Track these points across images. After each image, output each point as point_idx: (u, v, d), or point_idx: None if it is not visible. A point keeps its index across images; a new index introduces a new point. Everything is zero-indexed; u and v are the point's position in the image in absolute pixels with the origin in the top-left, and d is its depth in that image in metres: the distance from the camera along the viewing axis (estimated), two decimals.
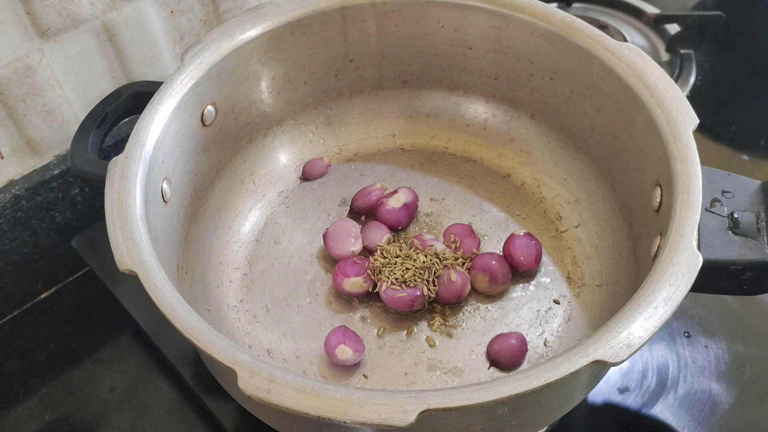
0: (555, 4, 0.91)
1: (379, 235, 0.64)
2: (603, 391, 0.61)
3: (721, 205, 0.53)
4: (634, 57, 0.58)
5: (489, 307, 0.62)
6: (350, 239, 0.64)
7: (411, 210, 0.67)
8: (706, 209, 0.53)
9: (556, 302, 0.62)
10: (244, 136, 0.68)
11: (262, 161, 0.70)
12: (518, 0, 0.63)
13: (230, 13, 0.76)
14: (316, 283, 0.64)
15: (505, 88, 0.70)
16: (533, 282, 0.63)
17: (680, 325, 0.65)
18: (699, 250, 0.47)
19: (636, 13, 0.94)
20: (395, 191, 0.67)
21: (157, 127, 0.56)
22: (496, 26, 0.65)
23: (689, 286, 0.45)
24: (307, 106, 0.71)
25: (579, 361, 0.42)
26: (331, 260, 0.65)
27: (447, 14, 0.66)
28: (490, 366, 0.58)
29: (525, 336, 0.59)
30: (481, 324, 0.61)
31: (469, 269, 0.62)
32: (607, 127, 0.62)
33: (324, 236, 0.65)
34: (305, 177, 0.72)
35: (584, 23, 0.61)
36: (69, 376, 0.65)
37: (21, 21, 0.63)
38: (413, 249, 0.62)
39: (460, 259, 0.62)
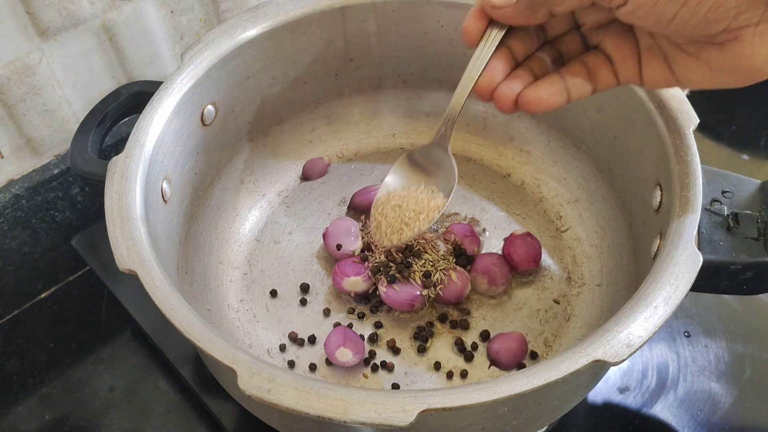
0: None
1: None
2: (603, 391, 0.61)
3: (721, 204, 0.53)
4: None
5: (489, 307, 0.62)
6: (350, 238, 0.64)
7: None
8: (705, 209, 0.53)
9: (556, 302, 0.62)
10: (244, 135, 0.68)
11: (262, 161, 0.70)
12: None
13: (230, 12, 0.76)
14: (316, 283, 0.64)
15: None
16: (533, 282, 0.63)
17: (680, 324, 0.65)
18: (699, 249, 0.47)
19: None
20: None
21: (157, 127, 0.56)
22: None
23: (689, 285, 0.45)
24: (307, 105, 0.71)
25: (579, 360, 0.42)
26: (331, 260, 0.65)
27: (447, 14, 0.66)
28: (490, 366, 0.58)
29: (525, 336, 0.59)
30: (481, 324, 0.61)
31: (469, 270, 0.62)
32: (607, 126, 0.62)
33: (324, 235, 0.65)
34: (305, 177, 0.72)
35: None
36: (69, 375, 0.65)
37: (21, 20, 0.63)
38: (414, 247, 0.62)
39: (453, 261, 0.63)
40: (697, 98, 0.84)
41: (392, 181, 0.58)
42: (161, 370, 0.64)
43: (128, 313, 0.66)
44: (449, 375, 0.58)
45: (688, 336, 0.65)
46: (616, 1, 0.38)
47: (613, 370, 0.62)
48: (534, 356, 0.59)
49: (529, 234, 0.64)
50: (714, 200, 0.54)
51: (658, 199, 0.54)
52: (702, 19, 0.37)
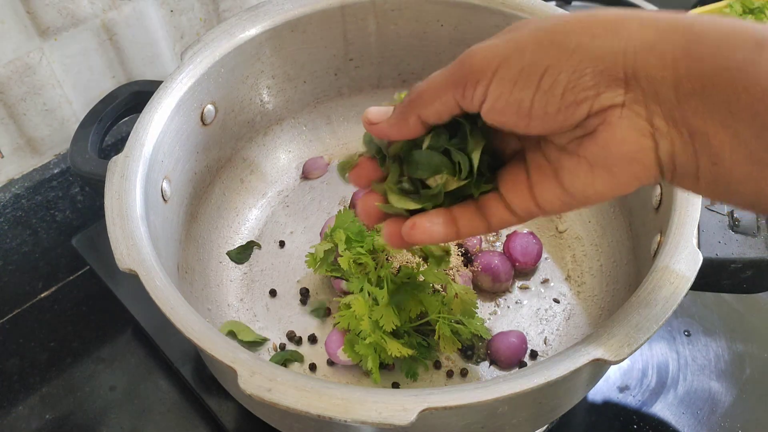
0: (554, 3, 0.91)
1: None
2: (603, 390, 0.61)
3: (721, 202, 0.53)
4: None
5: (489, 306, 0.62)
6: None
7: None
8: (706, 207, 0.53)
9: (556, 301, 0.62)
10: (244, 134, 0.68)
11: (262, 160, 0.70)
12: None
13: (230, 12, 0.76)
14: (316, 283, 0.64)
15: None
16: (533, 281, 0.63)
17: (680, 323, 0.65)
18: (699, 248, 0.47)
19: None
20: None
21: (156, 126, 0.56)
22: (496, 25, 0.65)
23: (689, 284, 0.45)
24: (306, 105, 0.71)
25: (579, 359, 0.42)
26: None
27: (446, 13, 0.66)
28: (491, 364, 0.58)
29: (525, 334, 0.59)
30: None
31: (469, 268, 0.62)
32: None
33: (321, 234, 0.65)
34: (305, 176, 0.72)
35: None
36: (69, 375, 0.65)
37: (21, 20, 0.63)
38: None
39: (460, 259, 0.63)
40: None
41: None
42: (161, 369, 0.64)
43: (128, 313, 0.66)
44: (449, 374, 0.58)
45: (688, 335, 0.65)
46: (478, 99, 0.37)
47: (613, 368, 0.62)
48: (534, 355, 0.59)
49: (530, 233, 0.64)
50: None
51: (658, 197, 0.54)
52: (560, 102, 0.35)
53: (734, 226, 0.52)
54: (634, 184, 0.37)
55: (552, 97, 0.35)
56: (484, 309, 0.61)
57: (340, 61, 0.69)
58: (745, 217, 0.52)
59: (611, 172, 0.36)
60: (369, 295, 0.56)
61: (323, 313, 0.61)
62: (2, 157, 0.69)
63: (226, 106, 0.64)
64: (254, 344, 0.60)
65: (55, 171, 0.71)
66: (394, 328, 0.54)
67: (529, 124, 0.37)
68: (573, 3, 0.96)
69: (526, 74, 0.35)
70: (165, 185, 0.57)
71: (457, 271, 0.61)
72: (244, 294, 0.64)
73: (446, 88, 0.38)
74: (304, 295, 0.63)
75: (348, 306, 0.56)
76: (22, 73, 0.65)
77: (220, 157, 0.66)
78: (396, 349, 0.54)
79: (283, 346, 0.60)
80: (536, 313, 0.61)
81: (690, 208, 0.49)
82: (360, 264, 0.57)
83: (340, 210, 0.60)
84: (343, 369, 0.58)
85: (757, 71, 0.31)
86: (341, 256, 0.57)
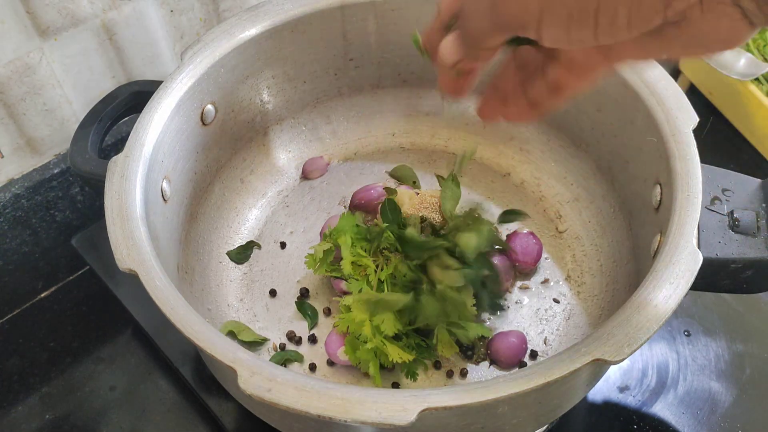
0: None
1: None
2: (603, 390, 0.61)
3: (721, 203, 0.53)
4: None
5: None
6: None
7: None
8: (705, 207, 0.53)
9: (556, 301, 0.62)
10: (244, 134, 0.68)
11: (262, 160, 0.70)
12: None
13: (230, 12, 0.76)
14: (316, 283, 0.64)
15: None
16: (533, 281, 0.63)
17: (680, 323, 0.65)
18: (699, 248, 0.47)
19: None
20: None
21: (156, 126, 0.56)
22: None
23: (689, 284, 0.46)
24: (306, 105, 0.71)
25: (579, 359, 0.42)
26: None
27: None
28: (491, 364, 0.58)
29: (525, 334, 0.59)
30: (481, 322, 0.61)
31: None
32: (607, 125, 0.62)
33: (321, 234, 0.65)
34: (305, 176, 0.72)
35: None
36: (69, 375, 0.65)
37: (21, 20, 0.63)
38: None
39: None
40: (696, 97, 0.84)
41: None
42: (161, 369, 0.64)
43: (128, 313, 0.66)
44: (449, 374, 0.58)
45: (688, 335, 0.65)
46: (531, 36, 0.34)
47: (613, 369, 0.62)
48: (534, 355, 0.59)
49: (530, 233, 0.64)
50: (714, 198, 0.54)
51: (658, 197, 0.54)
52: (627, 25, 0.31)
53: (734, 226, 0.52)
54: (730, 47, 0.34)
55: (616, 27, 0.32)
56: None
57: (340, 61, 0.69)
58: (745, 217, 0.52)
59: (704, 48, 0.34)
60: None
61: (314, 321, 0.61)
62: (2, 157, 0.69)
63: (226, 106, 0.64)
64: (254, 344, 0.60)
65: (55, 171, 0.71)
66: (396, 332, 0.54)
67: (598, 44, 0.33)
68: None
69: (577, 18, 0.32)
70: (165, 185, 0.57)
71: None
72: (244, 294, 0.64)
73: (491, 29, 0.35)
74: (304, 295, 0.63)
75: (348, 308, 0.56)
76: (22, 73, 0.65)
77: (219, 157, 0.66)
78: (397, 354, 0.54)
79: (283, 346, 0.60)
80: (536, 313, 0.61)
81: (690, 208, 0.49)
82: (360, 266, 0.58)
83: (343, 213, 0.60)
84: (343, 369, 0.58)
85: None
86: (342, 259, 0.57)
